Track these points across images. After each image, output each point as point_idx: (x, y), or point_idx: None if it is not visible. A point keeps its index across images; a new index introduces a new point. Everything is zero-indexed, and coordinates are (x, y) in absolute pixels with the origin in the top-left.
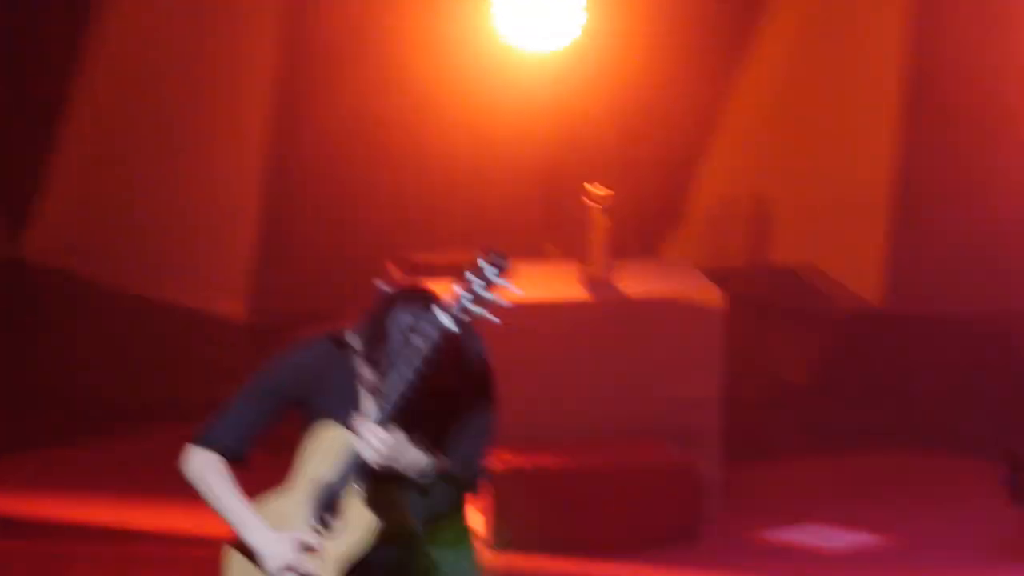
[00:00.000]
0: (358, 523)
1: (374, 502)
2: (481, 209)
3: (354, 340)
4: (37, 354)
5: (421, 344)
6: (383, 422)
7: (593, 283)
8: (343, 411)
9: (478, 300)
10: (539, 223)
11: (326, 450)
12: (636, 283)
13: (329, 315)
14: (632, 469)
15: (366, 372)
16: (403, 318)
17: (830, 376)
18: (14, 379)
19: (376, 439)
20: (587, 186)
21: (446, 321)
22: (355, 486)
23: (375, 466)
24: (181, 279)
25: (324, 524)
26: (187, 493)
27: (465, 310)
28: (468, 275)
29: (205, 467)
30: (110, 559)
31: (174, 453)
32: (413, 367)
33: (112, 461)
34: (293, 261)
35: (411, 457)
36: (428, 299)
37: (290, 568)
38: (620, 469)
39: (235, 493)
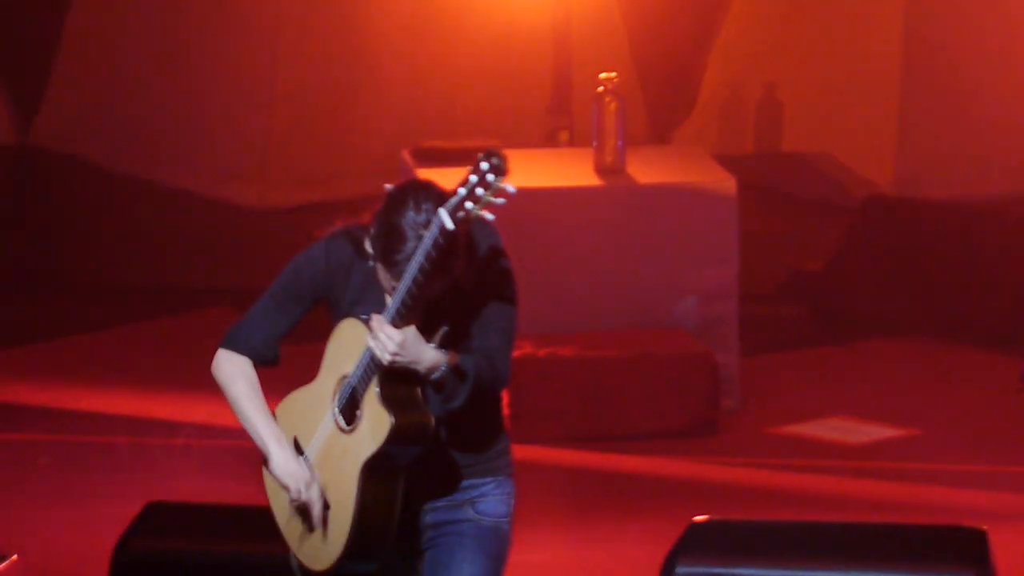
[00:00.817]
0: (375, 421)
1: (391, 400)
2: (494, 97)
3: (369, 243)
4: (50, 241)
5: (424, 241)
6: (393, 319)
7: (606, 170)
8: (366, 310)
9: (474, 199)
10: (550, 110)
11: (347, 346)
12: (648, 170)
13: (343, 202)
14: (650, 359)
15: (382, 273)
16: (414, 216)
17: (844, 264)
18: (27, 267)
19: (385, 336)
20: (600, 74)
21: (444, 218)
22: (373, 384)
23: (385, 363)
24: (194, 165)
25: (347, 420)
26: (200, 381)
27: (462, 207)
28: (468, 175)
29: (233, 373)
30: (127, 449)
31: (188, 339)
32: (417, 264)
33: (125, 348)
34: (308, 147)
35: (422, 354)
36: (439, 195)
37: (302, 501)
38: (638, 359)
39: (259, 409)
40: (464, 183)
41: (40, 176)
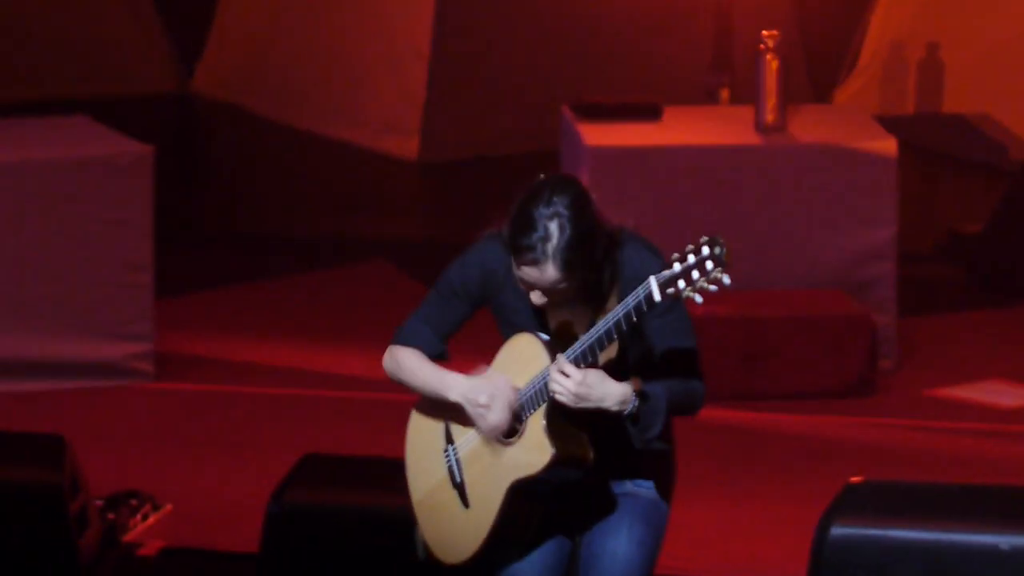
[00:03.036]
0: (536, 447)
1: (556, 432)
2: (653, 53)
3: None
4: (209, 190)
5: (628, 301)
6: (576, 360)
7: (766, 128)
8: (527, 319)
9: (688, 280)
10: (711, 67)
11: (522, 361)
12: (808, 129)
13: (502, 158)
14: (807, 319)
15: (519, 276)
16: (544, 209)
17: (1003, 227)
18: (186, 216)
19: (569, 381)
20: (762, 32)
21: (654, 288)
22: (541, 411)
23: (572, 405)
24: (352, 116)
25: (507, 431)
26: (355, 332)
27: (674, 284)
28: (686, 253)
29: (400, 353)
30: (284, 400)
31: (344, 291)
32: (614, 320)
33: (282, 299)
34: (465, 99)
35: (606, 392)
36: (576, 193)
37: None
38: (795, 319)
39: (426, 361)
40: (682, 260)
41: (200, 125)
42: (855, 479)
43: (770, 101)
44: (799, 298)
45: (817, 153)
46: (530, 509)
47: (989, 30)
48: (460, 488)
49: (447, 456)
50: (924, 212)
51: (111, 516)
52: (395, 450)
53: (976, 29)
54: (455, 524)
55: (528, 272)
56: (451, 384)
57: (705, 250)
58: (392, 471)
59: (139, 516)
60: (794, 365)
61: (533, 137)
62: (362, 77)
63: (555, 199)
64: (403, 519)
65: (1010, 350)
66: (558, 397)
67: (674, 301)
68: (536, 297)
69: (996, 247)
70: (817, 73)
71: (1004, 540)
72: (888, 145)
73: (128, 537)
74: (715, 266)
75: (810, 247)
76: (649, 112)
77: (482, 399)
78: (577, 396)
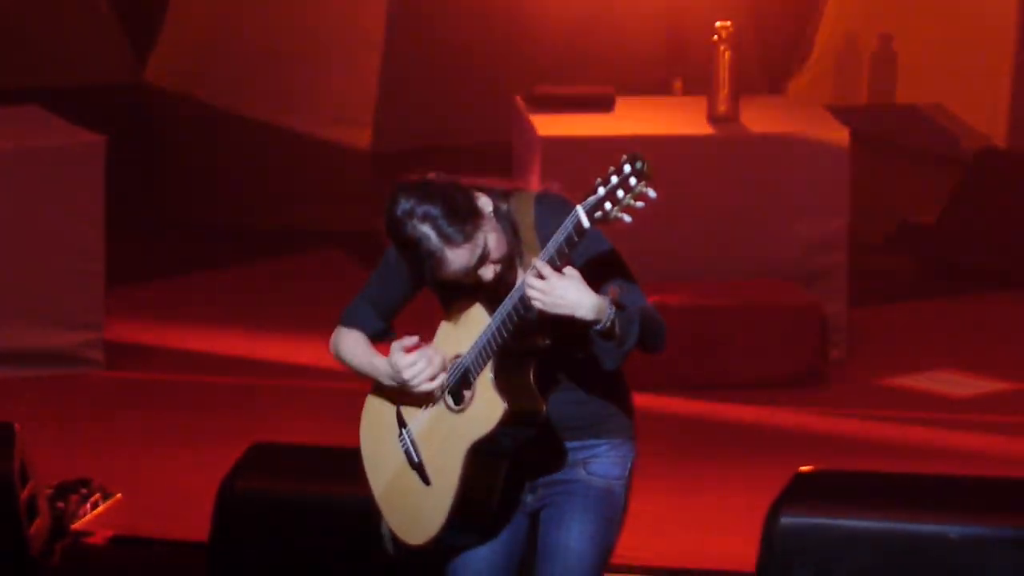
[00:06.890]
0: (487, 405)
1: (505, 386)
2: (606, 44)
3: None
4: (161, 180)
5: (557, 235)
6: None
7: (718, 119)
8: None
9: (613, 200)
10: (665, 59)
11: (462, 327)
12: (761, 120)
13: (455, 148)
14: (758, 308)
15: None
16: (398, 216)
17: (956, 217)
18: (138, 206)
19: (544, 283)
20: (716, 23)
21: (582, 216)
22: (488, 368)
23: (543, 310)
24: (304, 106)
25: (456, 399)
26: (308, 322)
27: (600, 208)
28: (608, 175)
29: (341, 334)
30: (234, 390)
31: (297, 281)
32: (547, 256)
33: (234, 289)
34: (417, 90)
35: (583, 299)
36: (419, 196)
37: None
38: (746, 308)
39: (360, 344)
40: (605, 183)
41: (153, 115)
42: (805, 468)
43: (723, 92)
44: (750, 288)
45: (770, 144)
46: (493, 472)
47: (940, 22)
48: (419, 468)
49: (402, 441)
50: (876, 202)
51: (61, 504)
52: (344, 438)
53: (927, 21)
54: (419, 504)
55: (454, 273)
56: (377, 367)
57: (627, 167)
58: (339, 460)
59: (89, 504)
60: (744, 354)
61: (486, 128)
62: (315, 68)
63: (402, 202)
64: (351, 507)
65: (961, 340)
66: (534, 303)
67: (602, 228)
68: (487, 273)
69: (948, 237)
70: (770, 64)
71: (953, 529)
72: (840, 135)
73: (77, 525)
74: (638, 181)
75: (762, 237)
76: (602, 103)
77: (404, 374)
78: (552, 298)
